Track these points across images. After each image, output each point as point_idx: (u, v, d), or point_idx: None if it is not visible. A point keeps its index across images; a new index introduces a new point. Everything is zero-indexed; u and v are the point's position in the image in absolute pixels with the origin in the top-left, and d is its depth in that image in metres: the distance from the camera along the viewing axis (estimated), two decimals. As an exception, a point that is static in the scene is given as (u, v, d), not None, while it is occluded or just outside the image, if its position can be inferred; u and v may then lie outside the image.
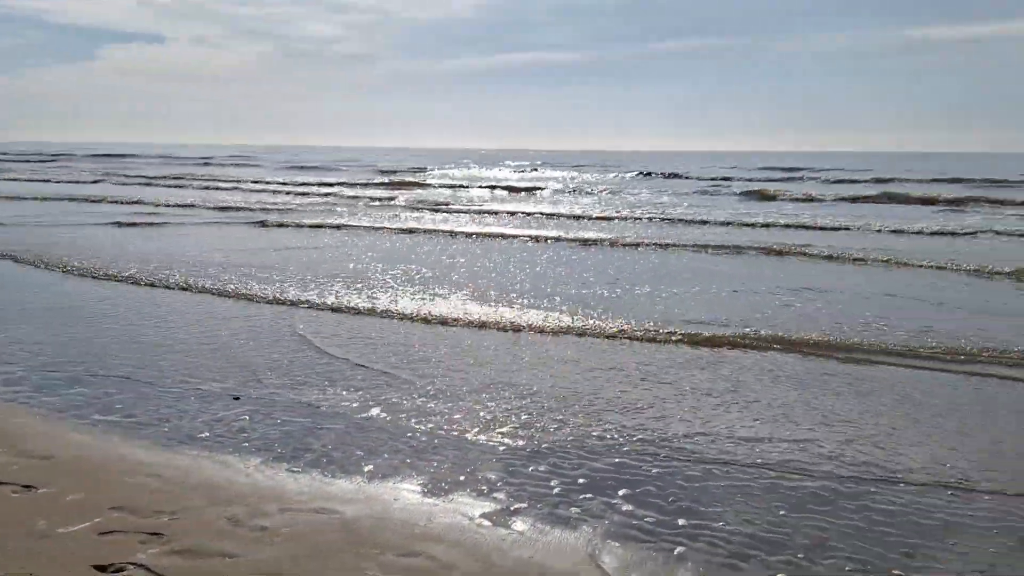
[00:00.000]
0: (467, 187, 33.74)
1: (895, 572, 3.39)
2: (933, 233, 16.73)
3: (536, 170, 51.29)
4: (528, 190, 31.91)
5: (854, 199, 26.22)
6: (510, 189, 32.67)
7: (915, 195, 26.69)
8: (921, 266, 12.07)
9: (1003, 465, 4.52)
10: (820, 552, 3.55)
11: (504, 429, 5.01)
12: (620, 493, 4.12)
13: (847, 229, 17.40)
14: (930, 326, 7.85)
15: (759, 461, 4.54)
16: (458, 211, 22.44)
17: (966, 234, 16.47)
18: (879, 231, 17.09)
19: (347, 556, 3.43)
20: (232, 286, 9.82)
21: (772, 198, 27.38)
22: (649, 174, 45.25)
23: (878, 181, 35.94)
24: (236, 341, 7.17)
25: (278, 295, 9.26)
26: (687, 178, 41.66)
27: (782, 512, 3.93)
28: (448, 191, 31.75)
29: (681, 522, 3.83)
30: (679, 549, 3.56)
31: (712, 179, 39.64)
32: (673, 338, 7.34)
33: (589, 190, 32.30)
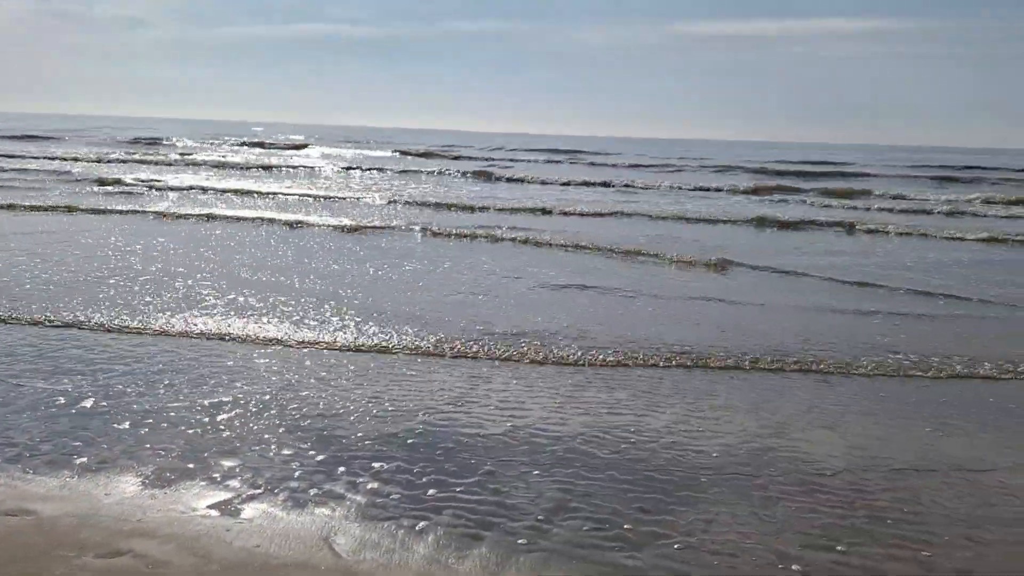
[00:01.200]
0: (182, 166, 29.17)
1: (627, 527, 3.47)
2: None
3: (305, 147, 48.55)
4: (268, 168, 29.35)
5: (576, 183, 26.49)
6: (241, 166, 29.36)
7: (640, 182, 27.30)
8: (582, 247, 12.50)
9: (731, 432, 4.82)
10: (562, 514, 3.56)
11: (237, 412, 4.63)
12: (367, 471, 3.91)
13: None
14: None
15: (511, 428, 4.52)
16: (154, 188, 19.61)
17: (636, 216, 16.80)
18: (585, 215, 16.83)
19: (33, 562, 2.96)
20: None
21: (489, 178, 27.53)
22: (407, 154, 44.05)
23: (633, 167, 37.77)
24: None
25: None
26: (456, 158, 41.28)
27: (533, 477, 3.91)
28: (168, 167, 27.86)
29: (431, 492, 3.70)
30: (421, 524, 3.41)
31: (486, 159, 39.76)
32: (345, 337, 7.24)
33: (338, 168, 30.84)
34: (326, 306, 7.35)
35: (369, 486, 3.75)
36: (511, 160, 40.20)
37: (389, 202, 18.02)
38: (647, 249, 11.64)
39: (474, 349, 6.12)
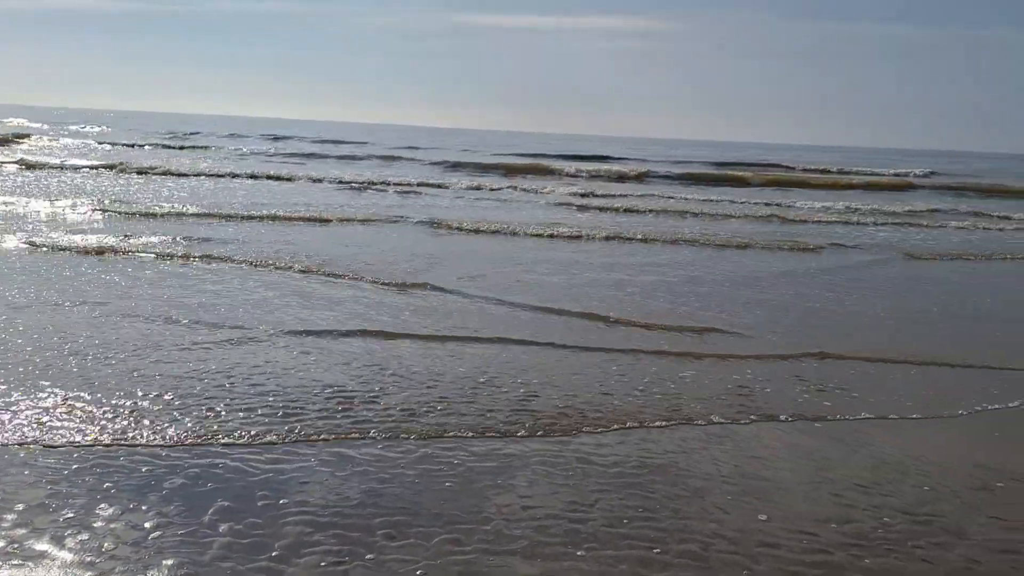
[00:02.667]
0: None
1: (369, 556, 3.34)
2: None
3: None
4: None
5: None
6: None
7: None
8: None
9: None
10: (300, 549, 3.36)
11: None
12: (78, 522, 3.47)
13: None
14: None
15: (247, 459, 4.24)
16: None
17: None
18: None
19: None
20: None
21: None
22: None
23: (386, 158, 38.00)
24: None
25: None
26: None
27: (273, 510, 3.67)
28: None
29: (152, 539, 3.34)
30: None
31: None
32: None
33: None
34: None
35: (79, 538, 3.33)
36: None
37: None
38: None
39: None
